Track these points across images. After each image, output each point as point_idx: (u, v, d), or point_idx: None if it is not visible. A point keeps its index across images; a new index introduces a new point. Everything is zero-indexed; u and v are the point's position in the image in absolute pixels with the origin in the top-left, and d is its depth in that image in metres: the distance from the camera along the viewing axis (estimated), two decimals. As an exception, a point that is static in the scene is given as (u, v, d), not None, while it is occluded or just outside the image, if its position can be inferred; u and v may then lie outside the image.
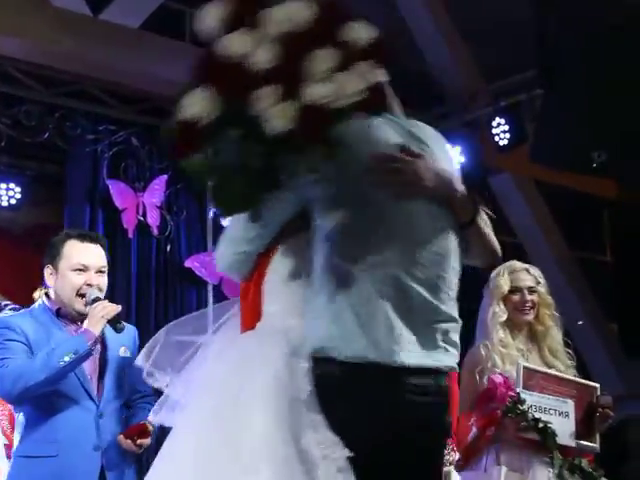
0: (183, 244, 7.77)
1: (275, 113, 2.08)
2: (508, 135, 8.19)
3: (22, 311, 4.11)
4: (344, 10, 2.23)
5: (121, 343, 3.98)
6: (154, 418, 2.90)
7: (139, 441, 3.79)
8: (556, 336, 4.45)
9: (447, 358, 2.47)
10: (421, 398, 2.40)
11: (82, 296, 3.87)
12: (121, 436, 3.81)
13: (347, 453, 2.28)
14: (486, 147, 8.34)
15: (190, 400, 2.58)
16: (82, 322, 3.84)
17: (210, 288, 7.61)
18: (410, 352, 2.38)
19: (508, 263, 4.54)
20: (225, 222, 7.74)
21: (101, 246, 4.00)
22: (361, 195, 2.42)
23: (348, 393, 2.36)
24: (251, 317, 2.57)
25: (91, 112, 7.50)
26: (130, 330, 4.12)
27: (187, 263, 7.63)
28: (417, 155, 2.51)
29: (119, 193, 7.48)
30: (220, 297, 7.57)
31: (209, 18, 2.20)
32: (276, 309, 2.56)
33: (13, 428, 4.80)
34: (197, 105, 2.15)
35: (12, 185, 7.44)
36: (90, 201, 7.45)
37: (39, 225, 7.85)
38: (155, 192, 7.58)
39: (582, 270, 9.55)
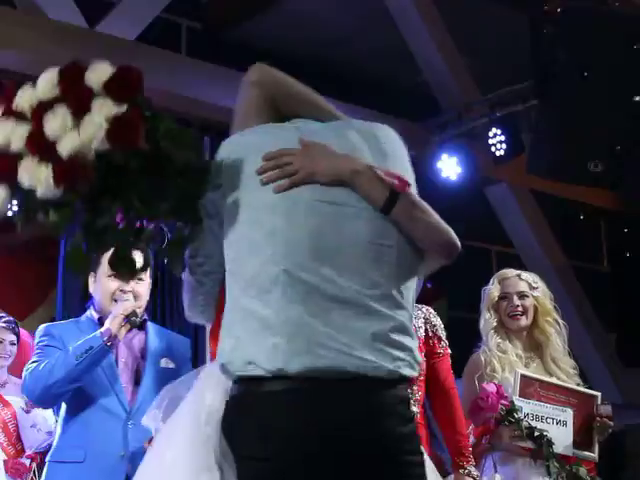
0: (180, 255, 7.76)
1: (35, 180, 2.14)
2: (504, 146, 8.19)
3: (70, 320, 4.16)
4: (82, 68, 2.23)
5: (164, 354, 3.98)
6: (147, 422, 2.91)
7: None
8: (558, 344, 4.43)
9: (383, 363, 2.15)
10: (337, 408, 2.13)
11: (116, 301, 3.88)
12: (145, 444, 3.82)
13: None
14: (483, 157, 8.35)
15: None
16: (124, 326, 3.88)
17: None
18: (310, 357, 2.12)
19: (500, 271, 4.55)
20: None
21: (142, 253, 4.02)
22: (239, 202, 2.28)
23: (242, 423, 2.18)
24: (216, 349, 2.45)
25: (88, 124, 7.49)
26: (180, 342, 4.13)
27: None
28: (307, 143, 2.32)
29: (116, 205, 7.47)
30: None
31: None
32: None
33: (10, 441, 4.81)
34: None
35: (9, 197, 7.45)
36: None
37: (36, 238, 7.86)
38: (152, 204, 7.56)
39: (579, 280, 9.56)
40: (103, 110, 2.15)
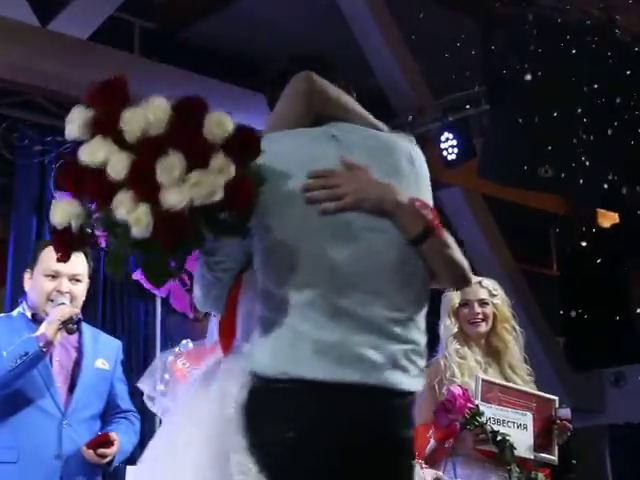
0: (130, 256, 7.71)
1: (133, 219, 2.08)
2: (456, 150, 8.24)
3: (1, 315, 4.09)
4: (202, 105, 2.18)
5: (99, 355, 3.95)
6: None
7: (100, 451, 3.76)
8: (515, 351, 4.47)
9: (403, 378, 2.34)
10: (363, 415, 2.30)
11: (52, 301, 3.85)
12: (84, 447, 3.77)
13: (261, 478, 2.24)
14: (435, 161, 8.39)
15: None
16: None
17: (158, 301, 7.57)
18: (337, 368, 2.27)
19: None
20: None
21: (84, 254, 3.96)
22: (282, 216, 2.36)
23: (271, 411, 2.30)
24: (226, 341, 2.53)
25: (38, 123, 7.42)
26: (113, 344, 4.11)
27: (134, 275, 7.53)
28: (354, 167, 2.42)
29: (66, 205, 7.40)
30: (168, 310, 7.54)
31: (73, 122, 2.20)
32: (240, 334, 2.51)
33: None
34: (62, 212, 2.18)
35: (-42, 197, 7.38)
36: (37, 213, 7.37)
37: (-15, 237, 7.77)
38: (102, 203, 7.49)
39: (529, 284, 9.62)
40: (224, 173, 2.11)
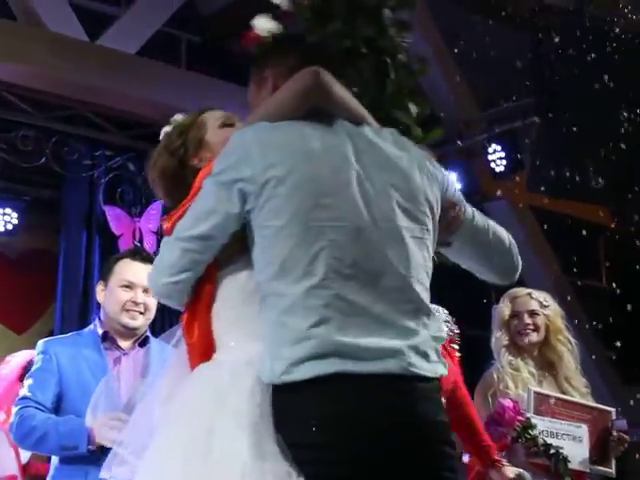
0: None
1: None
2: (504, 162, 8.19)
3: (72, 333, 4.11)
4: None
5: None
6: (104, 474, 2.83)
7: None
8: (570, 363, 4.45)
9: (421, 363, 2.33)
10: (393, 400, 2.28)
11: (127, 311, 3.88)
12: None
13: None
14: (482, 174, 8.34)
15: (152, 441, 2.44)
16: (129, 341, 3.91)
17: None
18: (366, 360, 2.26)
19: (511, 290, 4.56)
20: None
21: None
22: (291, 211, 2.33)
23: (295, 412, 2.28)
24: (203, 351, 2.47)
25: (88, 137, 7.50)
26: None
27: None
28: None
29: (115, 219, 7.46)
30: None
31: None
32: (235, 337, 2.45)
33: None
34: None
35: (8, 210, 7.45)
36: (87, 226, 7.44)
37: (35, 250, 7.86)
38: (151, 217, 7.55)
39: (578, 297, 9.54)
40: None
